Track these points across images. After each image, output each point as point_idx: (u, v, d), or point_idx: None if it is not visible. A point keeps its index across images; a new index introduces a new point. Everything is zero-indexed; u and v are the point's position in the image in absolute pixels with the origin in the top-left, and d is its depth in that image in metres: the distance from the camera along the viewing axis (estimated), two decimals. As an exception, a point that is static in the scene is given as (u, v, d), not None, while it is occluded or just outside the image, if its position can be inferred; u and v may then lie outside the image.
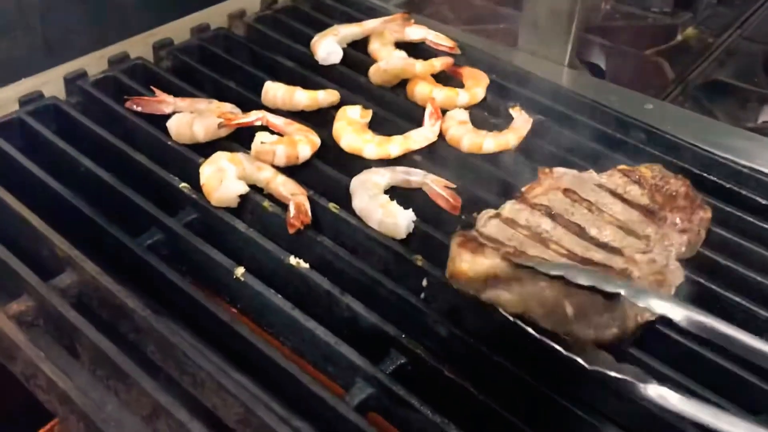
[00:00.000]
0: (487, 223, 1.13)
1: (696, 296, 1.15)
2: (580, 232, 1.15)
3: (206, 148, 1.38)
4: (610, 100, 1.69)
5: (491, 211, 1.17)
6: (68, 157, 1.33)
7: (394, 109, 1.54)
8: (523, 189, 1.23)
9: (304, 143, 1.39)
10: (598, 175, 1.28)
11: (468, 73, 1.64)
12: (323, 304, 1.14)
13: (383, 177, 1.32)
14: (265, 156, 1.34)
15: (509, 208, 1.17)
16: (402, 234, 1.24)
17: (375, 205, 1.25)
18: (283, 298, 1.12)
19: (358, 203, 1.27)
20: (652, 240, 1.16)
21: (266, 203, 1.27)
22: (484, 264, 1.03)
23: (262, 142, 1.35)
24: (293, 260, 1.17)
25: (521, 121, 1.50)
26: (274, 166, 1.34)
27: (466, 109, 1.53)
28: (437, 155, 1.43)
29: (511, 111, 1.53)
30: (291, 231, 1.21)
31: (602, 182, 1.26)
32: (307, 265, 1.17)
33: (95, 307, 1.10)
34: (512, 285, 1.02)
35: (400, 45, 1.73)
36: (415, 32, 1.75)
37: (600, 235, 1.15)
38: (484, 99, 1.59)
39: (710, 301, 1.18)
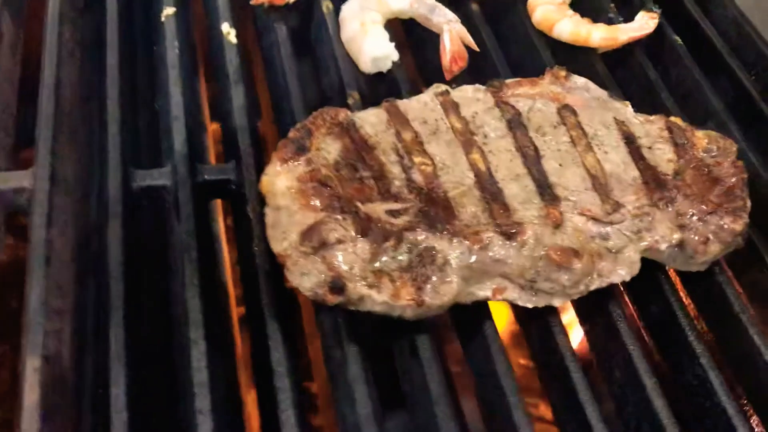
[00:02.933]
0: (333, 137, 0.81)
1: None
2: (527, 158, 0.83)
3: None
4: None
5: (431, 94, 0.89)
6: None
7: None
8: (508, 81, 0.91)
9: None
10: (634, 113, 0.92)
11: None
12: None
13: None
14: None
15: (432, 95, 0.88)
16: (366, 66, 1.01)
17: (359, 25, 1.02)
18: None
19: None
20: (623, 212, 0.81)
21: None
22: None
23: None
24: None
25: (644, 21, 1.12)
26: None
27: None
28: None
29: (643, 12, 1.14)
30: None
31: (628, 120, 0.90)
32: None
33: None
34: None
35: None
36: None
37: (550, 171, 0.83)
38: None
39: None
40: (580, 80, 0.93)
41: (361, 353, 0.74)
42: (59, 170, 0.86)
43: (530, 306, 0.78)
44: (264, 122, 1.11)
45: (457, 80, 1.03)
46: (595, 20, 1.15)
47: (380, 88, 1.02)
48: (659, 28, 1.14)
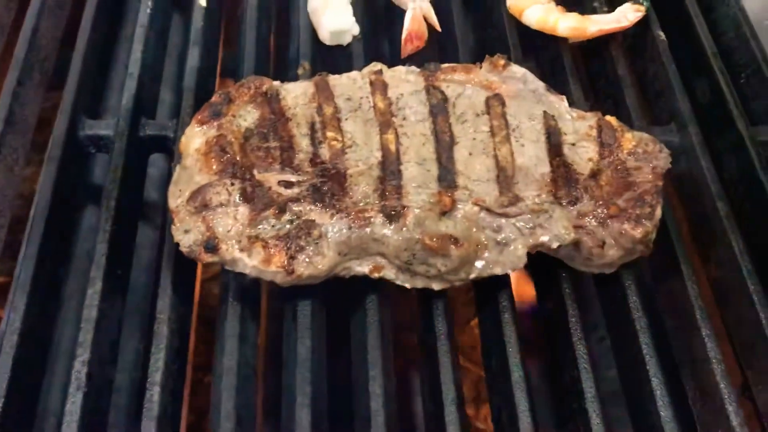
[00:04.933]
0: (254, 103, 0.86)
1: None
2: (441, 143, 0.84)
3: None
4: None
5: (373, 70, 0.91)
6: None
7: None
8: (443, 65, 0.92)
9: None
10: (569, 108, 0.90)
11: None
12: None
13: (372, -26, 1.08)
14: None
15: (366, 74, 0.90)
16: (324, 37, 1.04)
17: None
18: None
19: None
20: (520, 206, 0.81)
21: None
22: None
23: None
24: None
25: (622, 15, 1.09)
26: None
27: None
28: None
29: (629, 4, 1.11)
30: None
31: (560, 115, 0.89)
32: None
33: None
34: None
35: None
36: None
37: (458, 159, 0.84)
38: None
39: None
40: (519, 71, 0.93)
41: (241, 312, 0.80)
42: (18, 112, 0.95)
43: (408, 286, 0.81)
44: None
45: (416, 58, 1.05)
46: (580, 8, 1.12)
47: (338, 61, 1.05)
48: (645, 22, 1.10)
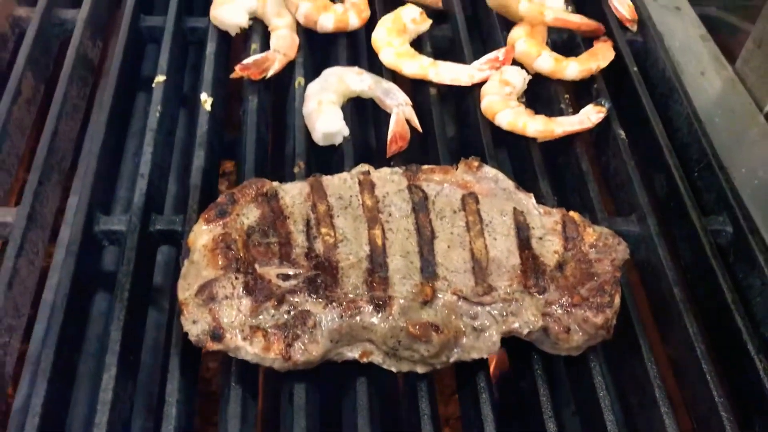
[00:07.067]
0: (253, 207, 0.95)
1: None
2: (422, 237, 0.94)
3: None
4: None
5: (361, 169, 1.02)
6: None
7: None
8: (424, 167, 1.03)
9: (354, 13, 1.32)
10: (536, 205, 1.01)
11: (601, 46, 1.33)
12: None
13: (361, 81, 1.20)
14: (290, 6, 1.30)
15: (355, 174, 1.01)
16: (318, 138, 1.15)
17: (316, 103, 1.16)
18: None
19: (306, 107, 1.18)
20: (494, 295, 0.91)
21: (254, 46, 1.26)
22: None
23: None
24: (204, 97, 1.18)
25: (585, 116, 1.21)
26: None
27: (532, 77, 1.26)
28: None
29: (592, 106, 1.23)
30: (236, 72, 1.20)
31: (528, 211, 0.99)
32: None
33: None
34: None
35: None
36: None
37: (438, 252, 0.94)
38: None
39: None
40: (491, 171, 1.04)
41: (242, 395, 0.88)
42: (39, 210, 1.04)
43: (394, 370, 0.89)
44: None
45: (401, 156, 1.15)
46: (548, 108, 1.25)
47: (330, 159, 1.16)
48: (606, 121, 1.22)
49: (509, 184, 1.03)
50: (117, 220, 1.04)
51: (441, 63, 1.25)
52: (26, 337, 0.99)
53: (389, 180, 1.02)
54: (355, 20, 1.31)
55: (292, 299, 0.87)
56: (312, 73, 1.23)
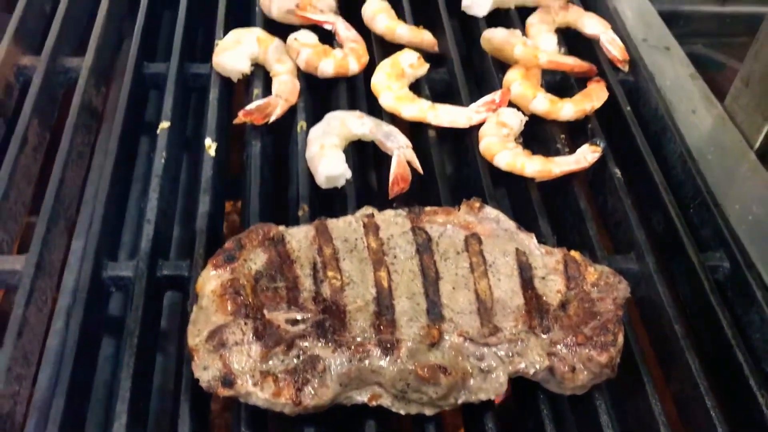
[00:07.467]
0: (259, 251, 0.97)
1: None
2: (427, 279, 0.96)
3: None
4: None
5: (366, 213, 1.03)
6: None
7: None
8: (427, 208, 1.05)
9: (354, 59, 1.35)
10: (538, 245, 1.03)
11: (594, 87, 1.37)
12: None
13: (363, 125, 1.23)
14: (291, 52, 1.33)
15: (359, 217, 1.02)
16: (321, 182, 1.17)
17: (319, 147, 1.18)
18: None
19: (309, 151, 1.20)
20: (500, 336, 0.92)
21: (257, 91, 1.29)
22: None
23: (295, 39, 1.34)
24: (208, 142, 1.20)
25: (582, 156, 1.23)
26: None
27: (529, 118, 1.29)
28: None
29: (587, 145, 1.26)
30: (239, 118, 1.22)
31: (530, 251, 1.01)
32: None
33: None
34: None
35: (571, 33, 1.50)
36: (590, 25, 1.49)
37: (443, 293, 0.95)
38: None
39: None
40: (492, 212, 1.06)
41: (253, 438, 0.88)
42: (46, 258, 1.05)
43: (403, 413, 0.90)
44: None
45: (402, 197, 1.18)
46: (545, 148, 1.27)
47: (333, 202, 1.17)
48: (602, 160, 1.25)
49: (510, 224, 1.05)
50: (124, 266, 1.06)
51: (439, 106, 1.28)
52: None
53: (393, 222, 1.03)
54: (354, 65, 1.35)
55: (301, 344, 0.88)
56: (313, 117, 1.25)
